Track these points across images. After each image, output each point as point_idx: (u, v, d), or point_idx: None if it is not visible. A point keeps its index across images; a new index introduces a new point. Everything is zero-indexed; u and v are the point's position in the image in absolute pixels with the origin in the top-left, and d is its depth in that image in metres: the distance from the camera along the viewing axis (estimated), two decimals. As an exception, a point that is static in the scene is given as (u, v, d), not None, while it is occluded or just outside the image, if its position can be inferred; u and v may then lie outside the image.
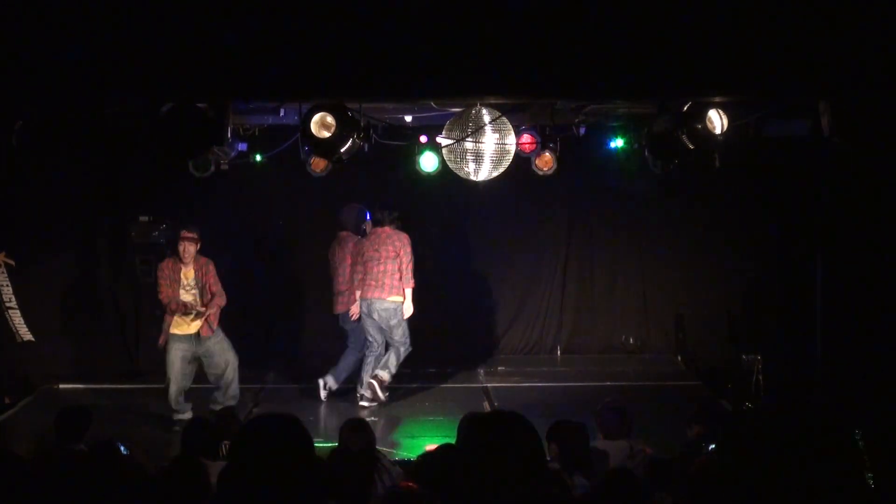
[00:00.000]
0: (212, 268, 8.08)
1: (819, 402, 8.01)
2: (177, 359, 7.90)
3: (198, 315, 7.92)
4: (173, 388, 7.88)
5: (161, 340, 8.01)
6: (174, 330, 7.96)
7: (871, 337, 8.00)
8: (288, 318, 10.40)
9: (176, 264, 7.97)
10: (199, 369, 8.19)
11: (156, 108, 6.37)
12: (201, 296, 7.99)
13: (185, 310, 7.90)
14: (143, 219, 9.25)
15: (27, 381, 9.08)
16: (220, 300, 8.06)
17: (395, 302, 8.40)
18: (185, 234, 7.92)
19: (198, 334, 7.96)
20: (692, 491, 4.05)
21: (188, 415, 7.82)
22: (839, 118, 6.35)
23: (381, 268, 8.36)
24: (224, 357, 8.03)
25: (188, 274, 7.98)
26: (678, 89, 6.30)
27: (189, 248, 7.92)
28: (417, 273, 9.49)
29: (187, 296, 7.97)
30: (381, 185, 9.64)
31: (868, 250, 8.05)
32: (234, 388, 8.11)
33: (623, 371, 9.82)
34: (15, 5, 5.83)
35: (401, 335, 8.43)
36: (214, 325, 8.03)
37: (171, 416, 7.94)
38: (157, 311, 9.21)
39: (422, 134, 8.49)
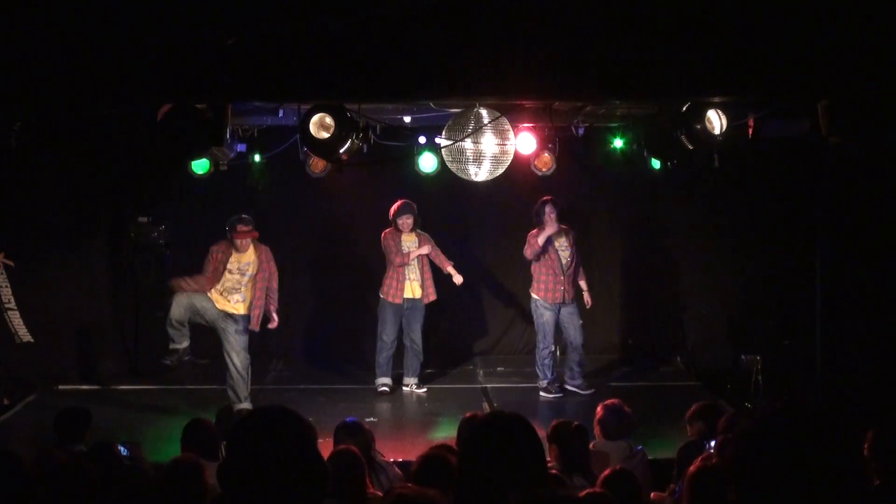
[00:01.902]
0: (270, 255, 8.14)
1: (819, 403, 8.01)
2: (185, 297, 7.87)
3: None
4: (175, 311, 7.81)
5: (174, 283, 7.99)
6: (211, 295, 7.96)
7: (870, 337, 8.00)
8: (288, 318, 10.39)
9: (228, 249, 7.95)
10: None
11: (155, 108, 6.38)
12: (251, 282, 7.99)
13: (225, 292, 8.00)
14: (143, 219, 9.24)
15: (27, 382, 9.07)
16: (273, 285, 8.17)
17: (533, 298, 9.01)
18: (241, 228, 7.88)
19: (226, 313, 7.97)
20: (692, 491, 4.06)
21: (185, 344, 7.86)
22: (838, 118, 6.35)
23: None
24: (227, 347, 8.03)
25: (241, 258, 7.98)
26: (677, 89, 6.31)
27: (246, 242, 7.96)
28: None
29: (232, 279, 7.95)
30: (380, 185, 9.65)
31: (868, 250, 8.05)
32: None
33: (623, 371, 9.82)
34: (14, 6, 5.82)
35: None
36: (256, 325, 8.09)
37: (165, 357, 7.93)
38: (158, 313, 9.22)
39: (421, 134, 8.50)
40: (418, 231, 8.94)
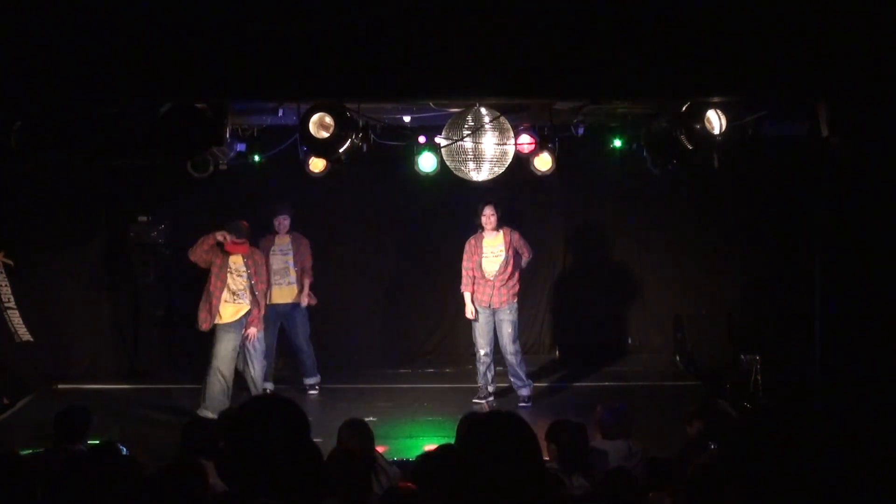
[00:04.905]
0: (257, 257, 8.24)
1: (818, 403, 8.01)
2: (228, 350, 8.00)
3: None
4: (220, 384, 7.90)
5: (205, 325, 8.06)
6: (226, 319, 8.05)
7: (870, 337, 7.99)
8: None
9: (225, 256, 8.11)
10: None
11: (155, 107, 6.38)
12: (250, 281, 8.10)
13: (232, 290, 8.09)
14: (142, 219, 9.26)
15: (26, 382, 9.07)
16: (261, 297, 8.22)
17: None
18: (233, 240, 8.02)
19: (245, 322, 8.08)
20: (692, 491, 4.06)
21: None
22: (838, 118, 6.35)
23: None
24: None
25: (237, 259, 8.10)
26: (677, 89, 6.30)
27: (240, 251, 8.10)
28: (416, 273, 9.51)
29: (238, 282, 8.07)
30: (379, 185, 9.64)
31: (867, 251, 8.04)
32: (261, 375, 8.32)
33: (623, 371, 9.82)
34: (14, 5, 5.83)
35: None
36: (259, 327, 8.22)
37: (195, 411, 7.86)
38: (158, 313, 9.22)
39: (420, 134, 8.50)
40: (295, 234, 8.83)
